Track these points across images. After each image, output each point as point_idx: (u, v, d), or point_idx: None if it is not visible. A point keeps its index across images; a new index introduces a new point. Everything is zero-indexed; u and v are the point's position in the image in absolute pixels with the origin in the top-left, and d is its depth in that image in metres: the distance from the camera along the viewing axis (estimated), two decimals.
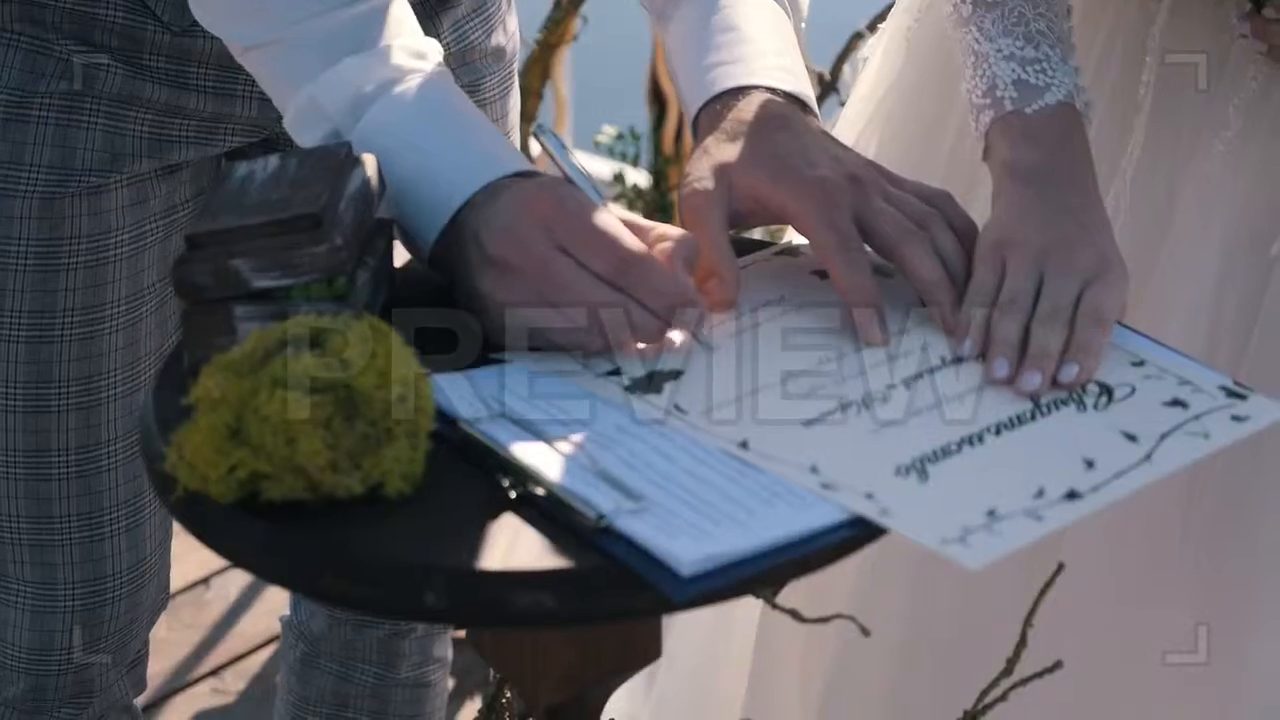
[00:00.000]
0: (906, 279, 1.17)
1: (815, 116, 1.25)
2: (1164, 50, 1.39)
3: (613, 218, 1.10)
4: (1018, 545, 0.95)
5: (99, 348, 1.42)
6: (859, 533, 0.97)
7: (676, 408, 1.05)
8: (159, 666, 2.38)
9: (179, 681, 2.44)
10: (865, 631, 1.05)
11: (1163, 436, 1.04)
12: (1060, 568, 1.15)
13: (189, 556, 2.11)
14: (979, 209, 1.30)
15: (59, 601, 1.47)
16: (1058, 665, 1.17)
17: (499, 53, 1.54)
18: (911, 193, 1.20)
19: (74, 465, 1.44)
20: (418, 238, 1.16)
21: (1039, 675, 1.18)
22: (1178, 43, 1.39)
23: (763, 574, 0.93)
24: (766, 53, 1.25)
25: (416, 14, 1.43)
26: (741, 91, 1.23)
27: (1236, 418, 1.06)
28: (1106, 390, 1.08)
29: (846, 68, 2.41)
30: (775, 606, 1.03)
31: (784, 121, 1.21)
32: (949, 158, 1.52)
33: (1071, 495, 0.99)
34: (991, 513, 0.97)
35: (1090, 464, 1.01)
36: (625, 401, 1.06)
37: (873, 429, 1.04)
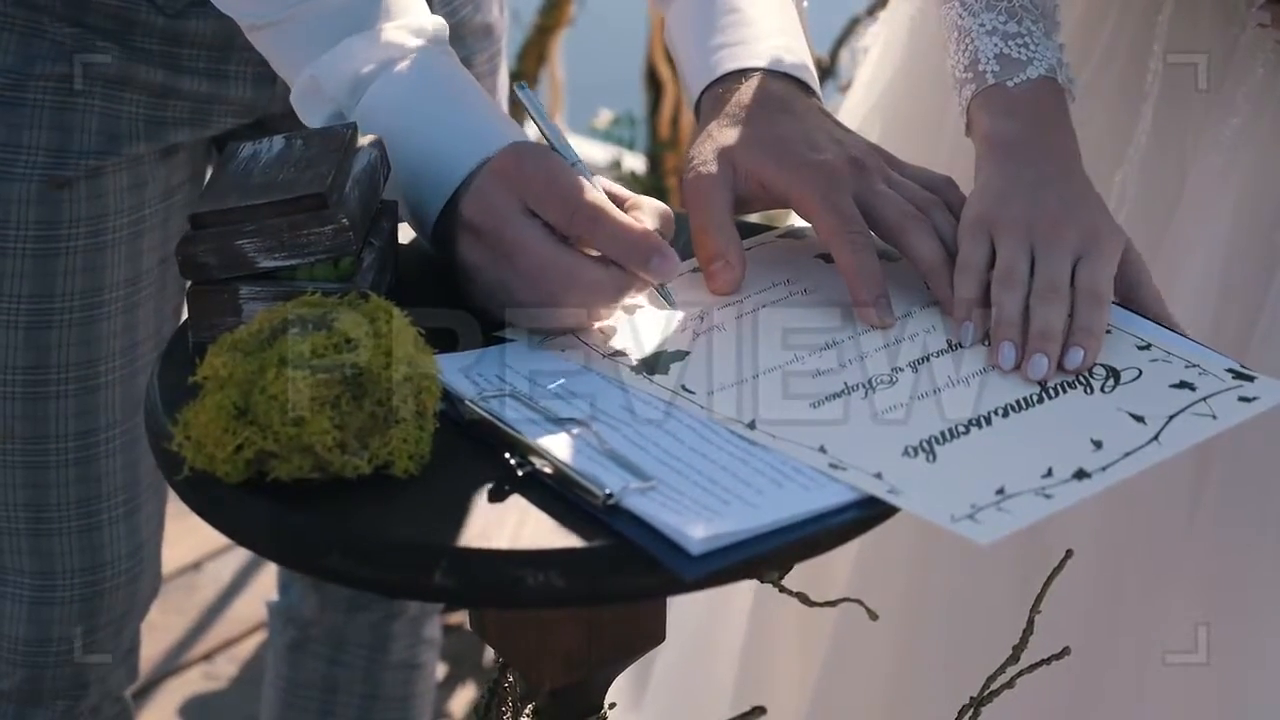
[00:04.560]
0: (909, 262, 1.16)
1: (818, 99, 1.24)
2: (1170, 40, 1.39)
3: (572, 174, 1.09)
4: (1027, 522, 0.95)
5: (97, 332, 1.41)
6: (868, 513, 0.96)
7: (683, 388, 1.05)
8: (150, 651, 2.38)
9: (170, 666, 2.43)
10: (873, 615, 1.04)
11: (1170, 417, 1.04)
12: (1069, 554, 1.14)
13: (181, 540, 2.10)
14: None
15: (57, 591, 1.46)
16: (1065, 652, 1.16)
17: (488, 29, 1.54)
18: (913, 178, 1.20)
19: (72, 451, 1.43)
20: (420, 217, 1.15)
21: (1046, 662, 1.17)
22: (1185, 31, 1.39)
23: (771, 554, 0.93)
24: (769, 34, 1.25)
25: None
26: (744, 74, 1.22)
27: (1244, 398, 1.06)
28: (1113, 373, 1.08)
29: (844, 53, 2.42)
30: (782, 589, 1.02)
31: (786, 104, 1.21)
32: (951, 147, 1.52)
33: (1080, 475, 0.99)
34: (1000, 491, 0.97)
35: (1098, 444, 1.01)
36: (630, 382, 1.06)
37: (879, 411, 1.04)
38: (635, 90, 2.94)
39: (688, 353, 1.10)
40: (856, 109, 1.61)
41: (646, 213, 1.12)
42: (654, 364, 1.08)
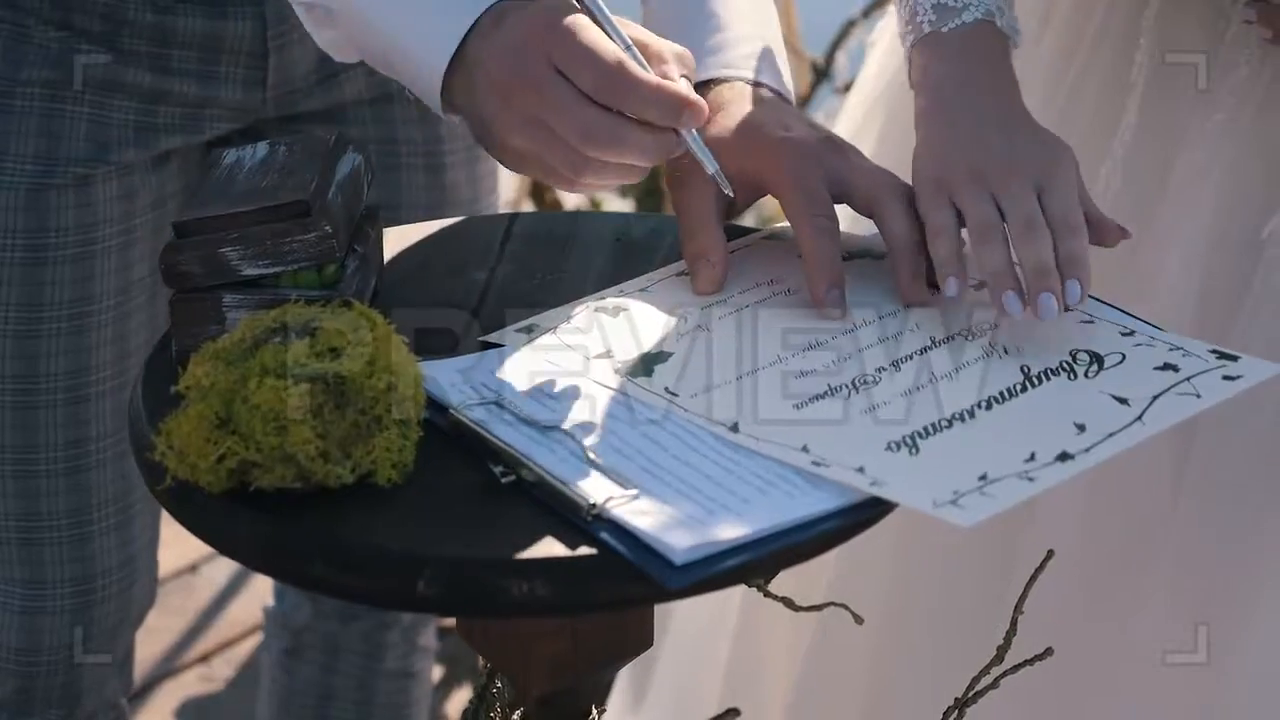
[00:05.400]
0: (880, 234, 1.16)
1: (790, 105, 1.24)
2: (1159, 32, 1.40)
3: (603, 37, 1.08)
4: (1010, 505, 0.95)
5: (87, 342, 1.41)
6: (852, 520, 0.96)
7: (667, 390, 1.05)
8: (146, 653, 2.38)
9: (166, 668, 2.43)
10: (859, 620, 1.04)
11: (1154, 398, 1.04)
12: (1050, 555, 1.15)
13: (177, 542, 2.10)
14: None
15: (47, 601, 1.45)
16: (1048, 652, 1.16)
17: None
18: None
19: (62, 461, 1.42)
20: (424, 73, 1.13)
21: (1030, 662, 1.17)
22: (1172, 25, 1.40)
23: (756, 562, 0.93)
24: (742, 40, 1.24)
25: None
26: (716, 81, 1.22)
27: (1228, 377, 1.06)
28: (1097, 359, 1.08)
29: (840, 55, 2.41)
30: (767, 594, 1.02)
31: (757, 99, 1.21)
32: None
33: (1063, 457, 0.99)
34: (983, 476, 0.97)
35: (1081, 428, 1.01)
36: (618, 386, 1.06)
37: (864, 410, 1.04)
38: None
39: (672, 354, 1.09)
40: (861, 104, 1.62)
41: (670, 62, 1.11)
42: (639, 366, 1.08)
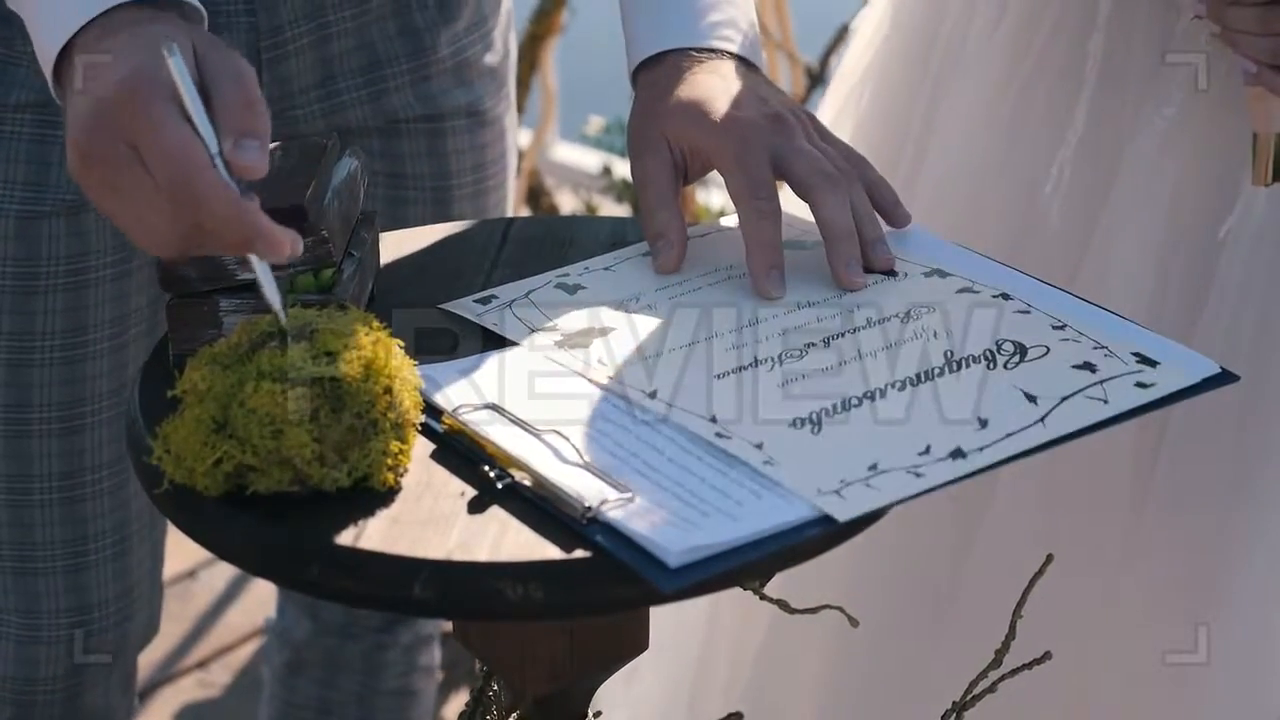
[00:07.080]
0: (816, 223, 1.17)
1: (756, 70, 1.24)
2: (1109, 29, 1.41)
3: (189, 136, 0.97)
4: (893, 500, 0.96)
5: (82, 372, 1.39)
6: (846, 525, 0.96)
7: (599, 362, 1.07)
8: (144, 659, 2.36)
9: (165, 673, 2.43)
10: (854, 622, 1.05)
11: (1063, 399, 1.04)
12: (1049, 559, 1.15)
13: (175, 548, 2.10)
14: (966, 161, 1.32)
15: (43, 631, 1.45)
16: (1047, 656, 1.17)
17: (493, 72, 1.53)
18: (834, 145, 1.20)
19: (56, 491, 1.41)
20: (41, 53, 1.07)
21: (1028, 666, 1.18)
22: (1125, 19, 1.41)
23: (750, 565, 0.93)
24: (712, 7, 1.24)
25: (416, 27, 1.41)
26: (678, 51, 1.22)
27: (1140, 384, 1.06)
28: (1020, 350, 1.09)
29: (834, 59, 2.42)
30: (763, 597, 1.02)
31: (714, 69, 1.21)
32: (925, 110, 1.54)
33: (956, 454, 0.99)
34: (873, 467, 0.97)
35: (984, 423, 1.01)
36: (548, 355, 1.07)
37: (778, 384, 1.05)
38: (626, 96, 2.94)
39: (614, 329, 1.11)
40: (842, 87, 1.63)
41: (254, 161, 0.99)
42: (580, 341, 1.09)
